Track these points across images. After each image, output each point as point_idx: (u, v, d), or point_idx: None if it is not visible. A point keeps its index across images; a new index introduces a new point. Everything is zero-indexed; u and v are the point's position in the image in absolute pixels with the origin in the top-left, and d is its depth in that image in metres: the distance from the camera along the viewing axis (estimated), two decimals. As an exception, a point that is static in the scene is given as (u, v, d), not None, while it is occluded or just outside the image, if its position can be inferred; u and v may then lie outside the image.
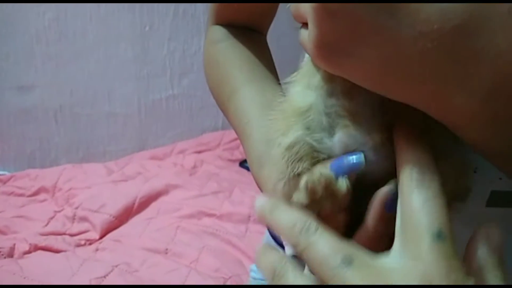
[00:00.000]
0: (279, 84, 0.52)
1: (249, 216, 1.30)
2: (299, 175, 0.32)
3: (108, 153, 1.87)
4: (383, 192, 0.28)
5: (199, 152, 1.82)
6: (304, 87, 0.33)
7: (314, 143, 0.31)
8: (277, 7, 0.58)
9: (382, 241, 0.28)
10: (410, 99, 0.26)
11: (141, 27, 1.83)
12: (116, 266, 1.08)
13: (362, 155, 0.29)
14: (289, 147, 0.32)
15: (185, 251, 1.17)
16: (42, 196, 1.52)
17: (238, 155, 1.82)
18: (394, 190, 0.28)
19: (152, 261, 1.13)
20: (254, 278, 0.77)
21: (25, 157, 1.76)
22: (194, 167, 1.69)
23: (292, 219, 0.28)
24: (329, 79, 0.31)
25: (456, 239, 0.42)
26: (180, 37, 1.88)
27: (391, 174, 0.30)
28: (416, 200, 0.25)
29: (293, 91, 0.34)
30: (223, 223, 1.29)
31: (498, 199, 0.39)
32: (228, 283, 1.04)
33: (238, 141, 1.83)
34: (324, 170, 0.29)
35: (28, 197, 1.50)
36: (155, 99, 1.92)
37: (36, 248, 1.20)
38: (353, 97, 0.30)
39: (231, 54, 0.54)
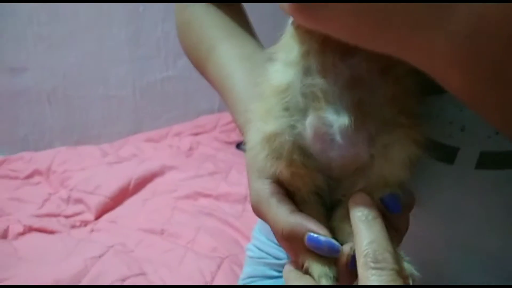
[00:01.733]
0: (258, 41, 0.51)
1: (246, 196, 1.29)
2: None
3: (103, 135, 1.85)
4: (344, 255, 0.31)
5: (196, 134, 1.80)
6: (283, 65, 0.32)
7: (292, 132, 0.32)
8: None
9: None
10: (388, 46, 0.25)
11: (135, 8, 1.79)
12: (112, 246, 1.07)
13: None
14: (270, 139, 0.32)
15: (181, 232, 1.16)
16: (36, 179, 1.50)
17: (235, 137, 1.80)
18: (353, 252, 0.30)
19: (148, 242, 1.12)
20: (251, 257, 0.76)
21: (19, 140, 1.74)
22: (190, 149, 1.67)
23: None
24: (305, 54, 0.31)
25: (446, 202, 0.41)
26: (174, 18, 1.84)
27: (364, 161, 0.31)
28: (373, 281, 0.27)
29: (272, 70, 0.33)
30: (219, 203, 1.28)
31: (487, 161, 0.38)
32: (225, 262, 1.03)
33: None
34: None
35: (22, 180, 1.48)
36: (150, 81, 1.89)
37: (30, 229, 1.19)
38: (325, 74, 0.30)
39: (204, 14, 0.52)
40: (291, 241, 0.33)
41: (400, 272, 0.28)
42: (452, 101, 0.36)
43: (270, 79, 0.33)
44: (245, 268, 0.76)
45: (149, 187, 1.38)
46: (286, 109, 0.31)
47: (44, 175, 1.50)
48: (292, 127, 0.31)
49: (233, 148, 1.73)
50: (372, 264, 0.28)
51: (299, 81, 0.31)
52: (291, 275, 0.34)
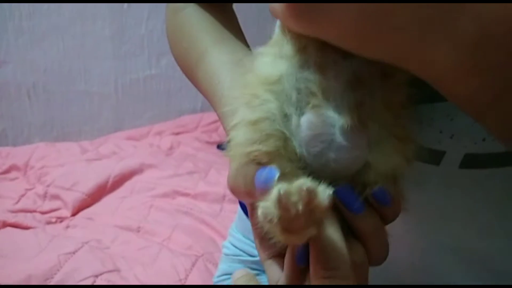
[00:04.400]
0: (249, 47, 0.50)
1: (224, 196, 1.29)
2: (259, 163, 0.29)
3: (84, 132, 1.83)
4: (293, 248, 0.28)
5: (177, 133, 1.80)
6: (275, 57, 0.30)
7: (281, 120, 0.29)
8: None
9: None
10: (389, 53, 0.24)
11: (119, 5, 1.78)
12: (87, 242, 1.06)
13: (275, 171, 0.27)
14: (256, 122, 0.29)
15: (157, 229, 1.16)
16: (13, 174, 1.48)
17: (216, 137, 1.80)
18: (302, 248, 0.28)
19: (123, 238, 1.12)
20: (227, 255, 0.76)
21: (-3, 135, 1.72)
22: (171, 148, 1.67)
23: None
24: (302, 49, 0.29)
25: (433, 204, 0.42)
26: (159, 16, 1.84)
27: (359, 167, 0.29)
28: None
29: (260, 62, 0.31)
30: (197, 202, 1.28)
31: (471, 161, 0.39)
32: (200, 260, 1.03)
33: (217, 124, 1.84)
34: (306, 181, 0.24)
35: (-1, 175, 1.46)
36: (132, 78, 1.88)
37: (5, 224, 1.18)
38: (325, 70, 0.28)
39: (195, 19, 0.51)
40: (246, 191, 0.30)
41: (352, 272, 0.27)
42: (443, 111, 0.36)
43: (258, 70, 0.31)
44: (220, 265, 0.77)
45: (128, 185, 1.37)
46: (277, 99, 0.29)
47: (21, 170, 1.48)
48: (284, 116, 0.29)
49: (214, 148, 1.73)
50: (322, 272, 0.26)
51: (293, 74, 0.29)
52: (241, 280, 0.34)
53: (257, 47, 0.34)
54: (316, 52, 0.28)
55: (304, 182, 0.24)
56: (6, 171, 1.48)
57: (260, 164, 0.29)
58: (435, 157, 0.40)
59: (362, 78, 0.28)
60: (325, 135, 0.28)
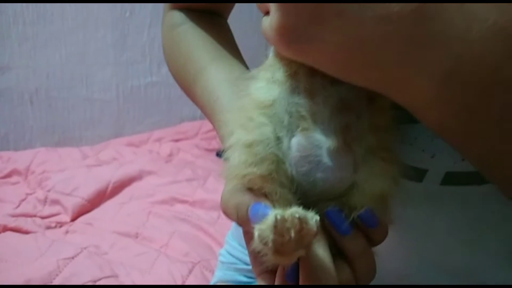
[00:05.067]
0: (245, 63, 0.51)
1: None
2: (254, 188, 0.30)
3: (84, 138, 1.85)
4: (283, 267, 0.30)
5: (176, 140, 1.82)
6: (268, 82, 0.32)
7: (275, 144, 0.31)
8: None
9: None
10: (372, 83, 0.26)
11: (121, 13, 1.81)
12: (85, 248, 1.08)
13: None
14: (249, 146, 0.31)
15: (155, 236, 1.17)
16: (14, 178, 1.50)
17: (215, 145, 1.82)
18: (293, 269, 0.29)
19: (121, 244, 1.13)
20: (222, 262, 0.77)
21: (-1, 139, 1.74)
22: (170, 155, 1.69)
23: None
24: (292, 75, 0.30)
25: (416, 219, 0.44)
26: (160, 24, 1.86)
27: (346, 187, 0.30)
28: None
29: (255, 87, 0.33)
30: (195, 209, 1.30)
31: (451, 179, 0.41)
32: (197, 267, 1.04)
33: (216, 131, 1.85)
34: (298, 210, 0.27)
35: (0, 179, 1.48)
36: (133, 85, 1.90)
37: (5, 229, 1.19)
38: (314, 95, 0.30)
39: (193, 36, 0.52)
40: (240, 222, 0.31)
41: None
42: (425, 131, 0.38)
43: (254, 95, 0.33)
44: (216, 273, 0.78)
45: (127, 191, 1.39)
46: (270, 122, 0.31)
47: (22, 175, 1.50)
48: (277, 139, 0.31)
49: (213, 156, 1.74)
50: None
51: (285, 99, 0.31)
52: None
53: (257, 56, 0.35)
54: (306, 78, 0.30)
55: (296, 211, 0.26)
56: (7, 175, 1.50)
57: (253, 190, 0.31)
58: (418, 174, 0.42)
59: (349, 103, 0.30)
60: (313, 156, 0.30)
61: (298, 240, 0.26)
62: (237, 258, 0.74)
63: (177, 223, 1.23)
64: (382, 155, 0.31)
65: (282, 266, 0.31)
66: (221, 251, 0.80)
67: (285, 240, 0.26)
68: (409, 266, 0.48)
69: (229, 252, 0.77)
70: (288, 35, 0.26)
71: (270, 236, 0.26)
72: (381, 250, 0.33)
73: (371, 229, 0.31)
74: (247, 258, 0.72)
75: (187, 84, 0.52)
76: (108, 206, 1.35)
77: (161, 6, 2.03)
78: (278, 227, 0.26)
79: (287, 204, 0.30)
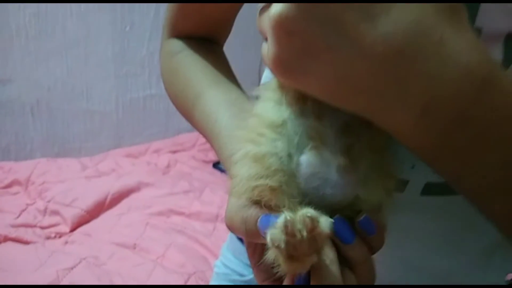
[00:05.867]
0: (241, 89, 0.53)
1: (217, 216, 1.34)
2: (263, 203, 0.32)
3: (84, 149, 1.89)
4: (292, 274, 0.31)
5: (174, 152, 1.85)
6: (276, 103, 0.34)
7: (286, 158, 0.32)
8: (234, 19, 0.59)
9: None
10: (360, 111, 0.29)
11: (121, 26, 1.85)
12: (84, 258, 1.11)
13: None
14: (263, 157, 0.32)
15: (152, 247, 1.21)
16: (15, 188, 1.53)
17: (212, 156, 1.85)
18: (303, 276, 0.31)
19: (119, 255, 1.16)
20: (217, 274, 0.80)
21: (0, 150, 1.78)
22: (168, 166, 1.72)
23: None
24: (301, 98, 0.33)
25: (398, 226, 0.47)
26: (160, 38, 1.90)
27: (350, 201, 0.33)
28: None
29: (263, 106, 0.35)
30: (191, 221, 1.33)
31: (431, 189, 0.44)
32: (192, 278, 1.07)
33: (213, 143, 1.87)
34: (309, 210, 0.28)
35: (1, 189, 1.51)
36: (133, 97, 1.94)
37: (6, 239, 1.23)
38: (321, 118, 0.32)
39: (191, 62, 0.54)
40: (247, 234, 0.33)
41: None
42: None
43: (263, 115, 0.34)
44: (211, 283, 0.80)
45: (125, 202, 1.42)
46: (281, 139, 0.33)
47: (23, 185, 1.53)
48: (288, 155, 0.33)
49: (209, 167, 1.78)
50: None
51: (294, 120, 0.33)
52: None
53: (254, 71, 0.38)
54: (313, 103, 0.32)
55: (307, 211, 0.27)
56: (8, 186, 1.53)
57: (260, 203, 0.32)
58: (399, 185, 0.45)
59: (352, 125, 0.32)
60: (322, 173, 0.32)
61: (311, 241, 0.27)
62: (231, 269, 0.76)
63: (174, 234, 1.26)
64: (380, 171, 0.34)
65: (289, 276, 0.32)
66: (216, 262, 0.82)
67: (298, 241, 0.26)
68: (393, 270, 0.51)
69: (224, 264, 0.79)
70: (282, 66, 0.28)
71: (282, 238, 0.26)
72: None
73: (369, 236, 0.33)
74: (241, 270, 0.74)
75: (186, 109, 0.54)
76: (106, 217, 1.38)
77: (160, 20, 2.08)
78: (289, 228, 0.26)
79: None
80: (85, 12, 1.78)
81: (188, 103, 0.52)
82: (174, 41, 0.58)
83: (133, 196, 1.44)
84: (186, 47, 0.57)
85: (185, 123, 2.02)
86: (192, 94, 0.52)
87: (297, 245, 0.27)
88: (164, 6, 1.93)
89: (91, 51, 1.82)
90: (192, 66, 0.54)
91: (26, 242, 1.22)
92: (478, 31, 0.38)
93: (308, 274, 0.31)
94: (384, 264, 0.50)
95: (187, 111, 0.53)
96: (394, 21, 0.24)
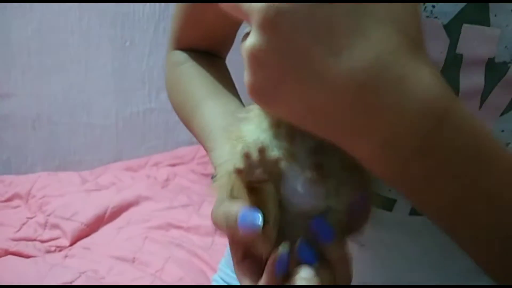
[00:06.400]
0: (241, 101, 0.55)
1: (216, 229, 1.35)
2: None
3: (84, 162, 1.91)
4: (275, 253, 0.34)
5: (173, 165, 1.87)
6: (256, 127, 0.37)
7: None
8: (235, 34, 0.60)
9: None
10: (327, 137, 0.30)
11: (121, 42, 1.89)
12: (84, 272, 1.12)
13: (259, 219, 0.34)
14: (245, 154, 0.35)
15: (151, 261, 1.22)
16: (15, 202, 1.55)
17: (211, 169, 1.86)
18: (285, 252, 0.34)
19: (118, 269, 1.18)
20: (216, 288, 0.81)
21: (0, 163, 1.79)
22: (167, 179, 1.73)
23: None
24: (276, 124, 0.36)
25: (386, 243, 0.49)
26: (159, 53, 1.94)
27: (321, 210, 0.36)
28: None
29: (246, 129, 0.38)
30: (190, 235, 1.34)
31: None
32: (190, 292, 1.09)
33: (212, 156, 1.89)
34: (258, 138, 0.34)
35: (2, 202, 1.53)
36: (132, 111, 1.97)
37: (6, 253, 1.24)
38: (293, 141, 0.35)
39: (193, 74, 0.57)
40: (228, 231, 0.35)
41: None
42: None
43: (243, 137, 0.37)
44: (210, 299, 0.81)
45: (124, 216, 1.44)
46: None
47: (23, 199, 1.55)
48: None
49: (208, 180, 1.79)
50: None
51: (270, 142, 0.36)
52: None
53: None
54: (287, 127, 0.35)
55: (258, 142, 0.33)
56: (9, 199, 1.55)
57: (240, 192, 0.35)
58: (387, 204, 0.46)
59: (323, 146, 0.35)
60: (291, 183, 0.36)
61: (263, 163, 0.33)
62: (229, 284, 0.78)
63: (172, 248, 1.27)
64: (353, 186, 0.36)
65: (271, 261, 0.34)
66: (214, 276, 0.83)
67: (253, 162, 0.32)
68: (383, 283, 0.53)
69: (222, 278, 0.80)
70: (257, 94, 0.30)
71: (241, 161, 0.33)
72: (356, 268, 0.38)
73: (326, 244, 0.35)
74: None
75: (186, 118, 0.56)
76: (106, 230, 1.39)
77: (160, 36, 2.10)
78: (246, 151, 0.32)
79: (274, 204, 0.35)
80: (86, 28, 1.81)
81: (188, 113, 0.54)
82: (178, 53, 0.61)
83: (132, 210, 1.46)
84: (189, 58, 0.59)
85: (184, 137, 2.04)
86: (191, 104, 0.54)
87: (253, 167, 0.32)
88: (163, 23, 1.98)
89: (91, 66, 1.85)
90: (193, 77, 0.56)
91: (27, 256, 1.24)
92: (459, 57, 0.40)
93: (288, 260, 0.34)
94: (374, 282, 0.52)
95: (187, 121, 0.55)
96: (357, 57, 0.26)
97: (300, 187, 0.35)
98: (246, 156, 0.32)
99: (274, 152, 0.33)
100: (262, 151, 0.33)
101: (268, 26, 0.26)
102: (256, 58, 0.27)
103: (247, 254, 0.37)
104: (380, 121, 0.27)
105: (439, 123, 0.27)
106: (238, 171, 0.33)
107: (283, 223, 0.36)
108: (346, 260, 0.36)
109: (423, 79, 0.27)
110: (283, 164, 0.36)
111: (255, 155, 0.33)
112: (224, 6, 0.29)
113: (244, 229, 0.33)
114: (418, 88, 0.27)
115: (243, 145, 0.33)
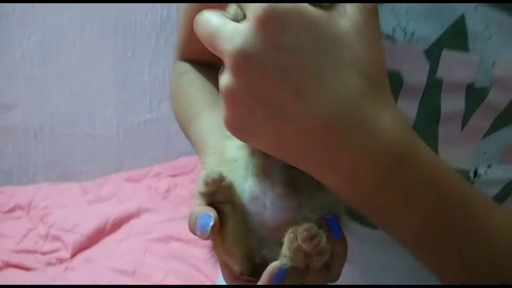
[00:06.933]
0: None
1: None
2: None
3: (85, 172, 1.92)
4: (272, 265, 0.34)
5: (174, 176, 1.87)
6: (238, 144, 0.39)
7: (235, 187, 0.37)
8: None
9: None
10: (298, 167, 0.32)
11: (123, 53, 1.90)
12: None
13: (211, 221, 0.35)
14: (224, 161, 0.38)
15: (152, 273, 1.23)
16: (17, 213, 1.56)
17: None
18: (285, 266, 0.34)
19: (119, 282, 1.19)
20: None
21: (2, 174, 1.81)
22: (168, 190, 1.74)
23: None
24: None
25: (366, 259, 0.49)
26: (161, 64, 1.96)
27: (296, 222, 0.36)
28: None
29: (228, 144, 0.40)
30: (190, 247, 1.35)
31: None
32: (190, 306, 1.09)
33: (213, 166, 1.90)
34: (216, 168, 0.35)
35: (3, 213, 1.54)
36: (134, 122, 1.98)
37: (8, 265, 1.25)
38: (267, 158, 0.36)
39: (194, 83, 0.58)
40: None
41: None
42: None
43: (224, 152, 0.39)
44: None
45: (125, 228, 1.45)
46: (231, 172, 0.38)
47: (25, 210, 1.56)
48: (238, 182, 0.38)
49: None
50: None
51: (246, 158, 0.38)
52: None
53: None
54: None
55: (215, 171, 0.35)
56: (11, 210, 1.56)
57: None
58: (372, 221, 0.47)
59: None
60: (261, 199, 0.37)
61: (223, 190, 0.35)
62: (230, 285, 0.79)
63: (173, 261, 1.28)
64: (324, 197, 0.37)
65: (268, 272, 0.35)
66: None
67: (212, 189, 0.35)
68: None
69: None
70: (231, 128, 0.32)
71: (201, 186, 0.35)
72: (344, 281, 0.39)
73: (335, 241, 0.36)
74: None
75: (185, 128, 0.57)
76: (106, 242, 1.40)
77: (161, 47, 2.11)
78: (207, 178, 0.35)
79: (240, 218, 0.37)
80: (88, 39, 1.83)
81: (187, 121, 0.56)
82: (182, 64, 0.62)
83: (133, 222, 1.47)
84: (192, 69, 0.60)
85: (185, 147, 2.04)
86: (190, 113, 0.55)
87: (211, 192, 0.35)
88: (165, 34, 1.99)
89: (93, 77, 1.87)
90: (194, 88, 0.58)
91: (28, 269, 1.25)
92: (440, 82, 0.41)
93: (286, 273, 0.34)
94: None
95: (186, 130, 0.57)
96: (322, 100, 0.28)
97: (269, 203, 0.37)
98: (205, 183, 0.35)
99: (228, 180, 0.35)
100: (215, 180, 0.35)
101: (238, 68, 0.28)
102: (229, 96, 0.29)
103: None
104: (343, 160, 0.29)
105: (399, 161, 0.29)
106: (201, 194, 0.35)
107: (260, 238, 0.38)
108: (344, 257, 0.37)
109: (384, 122, 0.29)
110: (251, 182, 0.38)
111: (211, 183, 0.35)
112: (201, 39, 0.31)
113: (198, 230, 0.35)
114: (379, 130, 0.29)
115: (204, 172, 0.35)
